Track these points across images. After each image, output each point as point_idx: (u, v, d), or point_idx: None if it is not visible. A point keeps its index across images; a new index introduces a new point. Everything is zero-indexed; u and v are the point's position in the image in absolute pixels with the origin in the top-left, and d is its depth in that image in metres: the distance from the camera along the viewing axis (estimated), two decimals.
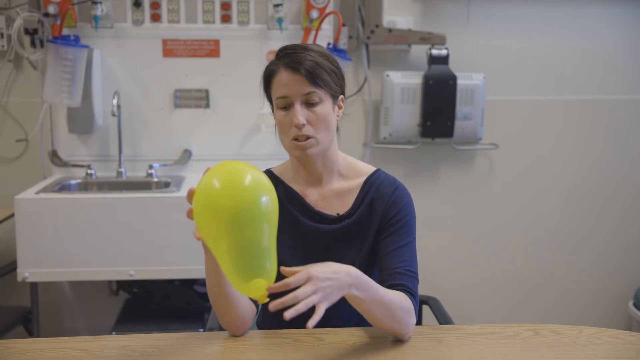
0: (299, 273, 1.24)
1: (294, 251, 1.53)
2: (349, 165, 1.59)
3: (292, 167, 1.58)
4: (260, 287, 1.22)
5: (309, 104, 1.46)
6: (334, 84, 1.49)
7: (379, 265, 1.51)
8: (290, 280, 1.23)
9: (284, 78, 1.46)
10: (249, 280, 1.22)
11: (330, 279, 1.26)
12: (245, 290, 1.24)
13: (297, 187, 1.57)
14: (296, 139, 1.46)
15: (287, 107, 1.47)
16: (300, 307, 1.21)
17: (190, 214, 1.27)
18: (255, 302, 1.49)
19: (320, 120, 1.47)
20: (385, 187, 1.54)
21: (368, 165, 1.61)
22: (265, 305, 1.58)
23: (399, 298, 1.41)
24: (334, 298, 1.27)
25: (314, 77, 1.45)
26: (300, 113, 1.45)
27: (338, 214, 1.54)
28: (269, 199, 1.24)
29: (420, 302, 1.90)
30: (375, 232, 1.53)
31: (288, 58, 1.46)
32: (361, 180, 1.56)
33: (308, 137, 1.46)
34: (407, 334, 1.44)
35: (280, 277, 1.27)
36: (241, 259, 1.22)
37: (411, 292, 1.45)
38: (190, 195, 1.27)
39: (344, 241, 1.53)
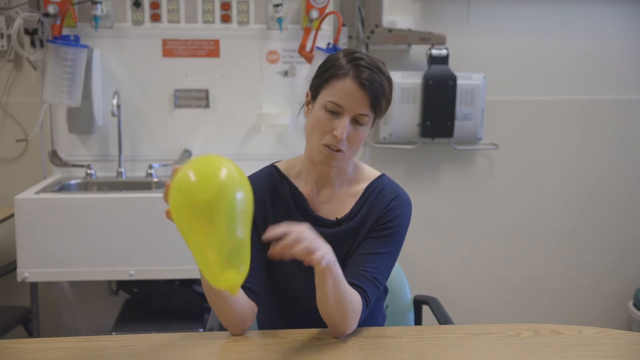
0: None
1: None
2: (356, 170, 1.59)
3: (304, 165, 1.57)
4: (232, 279, 1.21)
5: (355, 122, 1.45)
6: (383, 112, 1.49)
7: (350, 260, 1.51)
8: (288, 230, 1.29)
9: (349, 88, 1.42)
10: (222, 272, 1.21)
11: (322, 245, 1.34)
12: (217, 282, 1.23)
13: (304, 187, 1.56)
14: (328, 146, 1.45)
15: (335, 113, 1.44)
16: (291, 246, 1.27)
17: (169, 214, 1.25)
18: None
19: (357, 140, 1.46)
20: (386, 194, 1.54)
21: (374, 170, 1.61)
22: (266, 305, 1.58)
23: (355, 297, 1.43)
24: (318, 256, 1.31)
25: (375, 103, 1.44)
26: (346, 128, 1.43)
27: (337, 218, 1.54)
28: (243, 194, 1.24)
29: (420, 302, 1.90)
30: (365, 234, 1.52)
31: (361, 71, 1.42)
32: (364, 185, 1.56)
33: (339, 150, 1.45)
34: (343, 334, 1.45)
35: (290, 264, 1.31)
36: (215, 251, 1.21)
37: (366, 299, 1.46)
38: (167, 189, 1.25)
39: (341, 245, 1.52)
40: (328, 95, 1.44)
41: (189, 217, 1.22)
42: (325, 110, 1.44)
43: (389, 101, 1.48)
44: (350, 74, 1.43)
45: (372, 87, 1.42)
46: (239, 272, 1.22)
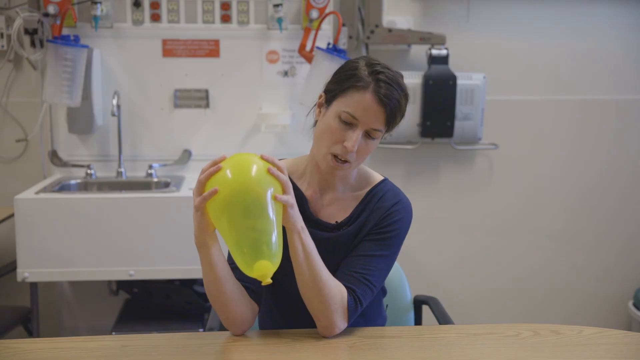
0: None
1: None
2: (359, 174, 1.58)
3: (309, 167, 1.56)
4: (265, 268, 1.27)
5: (367, 136, 1.44)
6: (395, 126, 1.48)
7: (343, 261, 1.50)
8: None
9: (367, 103, 1.40)
10: (255, 260, 1.27)
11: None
12: (249, 270, 1.28)
13: (306, 188, 1.55)
14: (335, 156, 1.44)
15: (348, 124, 1.42)
16: None
17: (203, 204, 1.31)
18: (259, 283, 1.47)
19: (366, 152, 1.46)
20: (387, 199, 1.53)
21: (377, 174, 1.60)
22: (266, 304, 1.58)
23: (336, 287, 1.42)
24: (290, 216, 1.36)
25: (390, 119, 1.43)
26: (358, 142, 1.42)
27: (337, 222, 1.53)
28: (273, 190, 1.32)
29: (420, 302, 1.90)
30: (362, 237, 1.52)
31: (382, 87, 1.41)
32: (367, 189, 1.55)
33: (346, 161, 1.44)
34: (329, 331, 1.43)
35: (284, 261, 1.32)
36: (250, 238, 1.28)
37: (356, 298, 1.44)
38: (203, 182, 1.32)
39: (340, 249, 1.51)
40: (344, 105, 1.42)
41: (223, 208, 1.29)
42: (339, 119, 1.43)
43: (402, 116, 1.47)
44: (370, 88, 1.41)
45: (389, 104, 1.41)
46: (271, 263, 1.28)
